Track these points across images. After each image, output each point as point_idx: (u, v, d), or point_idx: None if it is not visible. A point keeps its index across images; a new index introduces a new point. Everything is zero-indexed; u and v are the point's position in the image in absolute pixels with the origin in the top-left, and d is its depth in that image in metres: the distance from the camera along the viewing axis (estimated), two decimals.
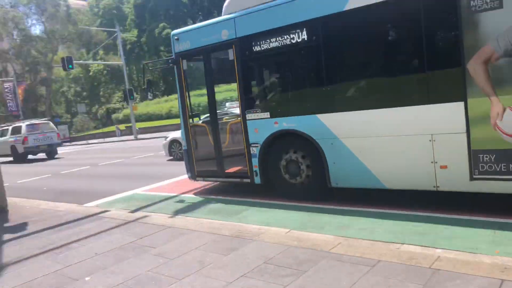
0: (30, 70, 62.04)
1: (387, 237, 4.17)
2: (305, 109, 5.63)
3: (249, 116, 6.25)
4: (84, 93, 68.00)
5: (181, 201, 6.99)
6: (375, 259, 3.43)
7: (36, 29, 65.67)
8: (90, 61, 54.17)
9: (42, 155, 20.14)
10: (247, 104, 6.25)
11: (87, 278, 3.70)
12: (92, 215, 6.16)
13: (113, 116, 55.84)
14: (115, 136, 37.24)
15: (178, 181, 8.90)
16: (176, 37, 7.09)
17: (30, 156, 19.66)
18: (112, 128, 44.98)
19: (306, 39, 5.48)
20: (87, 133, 49.72)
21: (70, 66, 28.60)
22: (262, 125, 6.10)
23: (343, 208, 5.37)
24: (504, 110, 4.15)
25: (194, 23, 55.18)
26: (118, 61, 52.64)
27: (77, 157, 19.55)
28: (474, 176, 4.42)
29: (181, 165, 9.46)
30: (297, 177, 5.98)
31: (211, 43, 6.54)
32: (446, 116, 4.50)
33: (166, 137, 12.86)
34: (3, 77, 58.42)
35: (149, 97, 10.44)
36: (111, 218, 5.85)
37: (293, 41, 5.59)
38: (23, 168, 16.63)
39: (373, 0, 4.80)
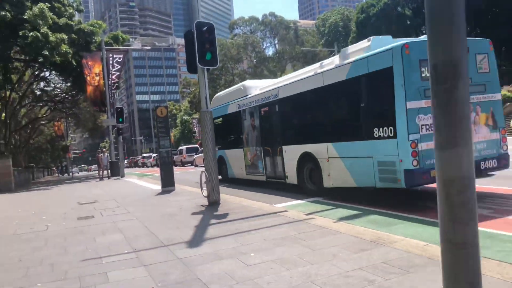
0: None
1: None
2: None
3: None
4: None
5: (350, 210, 7.88)
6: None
7: (270, 51, 74.94)
8: None
9: None
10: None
11: (252, 254, 5.10)
12: (274, 213, 7.70)
13: None
14: None
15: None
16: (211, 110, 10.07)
17: None
18: None
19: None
20: None
21: None
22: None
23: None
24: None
25: (417, 36, 53.86)
26: None
27: None
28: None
29: None
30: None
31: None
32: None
33: None
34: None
35: None
36: (286, 217, 7.24)
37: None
38: None
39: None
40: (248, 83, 14.74)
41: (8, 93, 32.84)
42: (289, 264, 4.57)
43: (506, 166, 8.06)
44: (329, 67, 9.39)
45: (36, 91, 39.85)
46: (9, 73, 26.93)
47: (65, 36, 23.64)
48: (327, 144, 9.31)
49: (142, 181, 20.29)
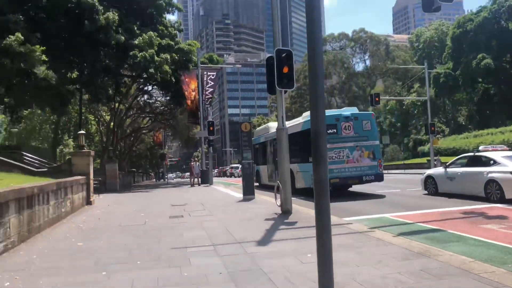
0: (350, 103, 70.48)
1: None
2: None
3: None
4: (398, 124, 71.21)
5: (409, 226, 8.29)
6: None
7: (359, 67, 74.21)
8: (393, 97, 57.26)
9: None
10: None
11: (308, 255, 5.93)
12: (339, 224, 8.39)
13: (419, 148, 56.72)
14: (421, 168, 38.26)
15: (424, 213, 10.01)
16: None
17: None
18: (418, 160, 45.87)
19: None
20: (394, 163, 51.94)
21: (377, 101, 32.35)
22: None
23: None
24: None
25: None
26: (433, 93, 53.99)
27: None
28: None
29: (433, 199, 10.49)
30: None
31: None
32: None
33: (423, 173, 13.83)
34: (327, 108, 69.03)
35: None
36: (348, 228, 7.92)
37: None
38: None
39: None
40: (270, 124, 23.22)
41: (117, 104, 37.21)
42: (339, 264, 5.33)
43: (380, 179, 15.52)
44: (297, 122, 17.52)
45: (140, 102, 44.37)
46: (118, 87, 30.63)
47: (168, 56, 26.43)
48: (296, 164, 16.16)
49: (228, 189, 21.84)
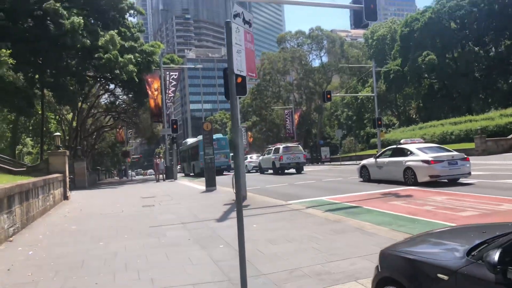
0: (307, 98, 73.35)
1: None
2: None
3: None
4: (354, 117, 74.64)
5: (336, 205, 10.58)
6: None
7: (316, 63, 77.29)
8: (343, 94, 60.49)
9: (292, 170, 26.48)
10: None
11: (254, 225, 8.03)
12: (281, 205, 10.57)
13: (371, 140, 60.31)
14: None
15: (352, 195, 12.38)
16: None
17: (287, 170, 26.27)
18: (369, 151, 49.19)
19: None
20: (349, 154, 55.15)
21: (328, 98, 34.94)
22: None
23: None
24: None
25: (463, 50, 54.40)
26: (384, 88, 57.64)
27: (316, 174, 24.87)
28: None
29: (365, 185, 12.90)
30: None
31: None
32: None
33: (359, 163, 16.36)
34: (286, 105, 71.49)
35: None
36: (289, 207, 10.10)
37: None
38: (275, 178, 22.99)
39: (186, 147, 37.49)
40: (188, 139, 43.91)
41: (80, 104, 37.92)
42: (274, 231, 7.47)
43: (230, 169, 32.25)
44: (195, 140, 33.85)
45: (102, 101, 45.09)
46: (82, 88, 31.61)
47: (132, 56, 27.81)
48: (193, 162, 33.26)
49: (192, 183, 23.67)
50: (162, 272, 5.38)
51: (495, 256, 2.29)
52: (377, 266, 3.43)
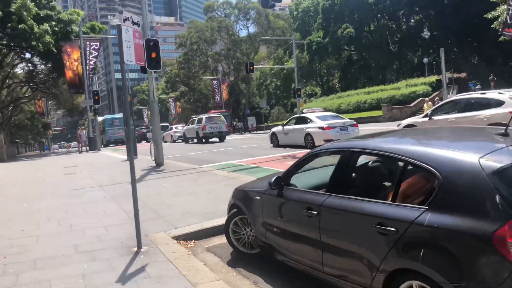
0: (235, 69, 74.13)
1: None
2: None
3: None
4: (281, 87, 76.89)
5: (241, 166, 12.24)
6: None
7: (243, 33, 77.89)
8: (266, 65, 62.39)
9: (215, 139, 27.92)
10: None
11: (164, 184, 9.41)
12: (193, 169, 12.02)
13: (295, 109, 63.20)
14: None
15: (258, 158, 14.14)
16: None
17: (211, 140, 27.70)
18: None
19: None
20: (275, 123, 57.50)
21: (251, 70, 36.36)
22: None
23: None
24: None
25: (378, 23, 58.24)
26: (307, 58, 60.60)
27: (236, 142, 26.54)
28: None
29: (273, 150, 14.66)
30: None
31: None
32: None
33: (270, 131, 18.28)
34: (214, 75, 71.92)
35: None
36: (199, 170, 11.57)
37: None
38: (198, 146, 24.32)
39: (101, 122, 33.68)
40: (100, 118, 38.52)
41: None
42: (179, 187, 8.92)
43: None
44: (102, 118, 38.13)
45: (18, 71, 42.84)
46: None
47: (48, 28, 27.06)
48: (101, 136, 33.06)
49: (114, 153, 24.26)
50: (80, 221, 6.62)
51: (272, 180, 3.92)
52: (231, 198, 5.02)
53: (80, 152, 29.29)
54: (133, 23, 4.91)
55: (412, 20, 57.42)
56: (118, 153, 23.64)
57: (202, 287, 3.81)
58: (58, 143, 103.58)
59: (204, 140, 26.86)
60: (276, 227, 4.01)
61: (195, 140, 28.07)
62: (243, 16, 75.72)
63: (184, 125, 36.48)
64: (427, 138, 3.45)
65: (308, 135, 15.52)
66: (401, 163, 2.96)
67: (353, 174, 3.48)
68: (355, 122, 15.61)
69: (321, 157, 3.97)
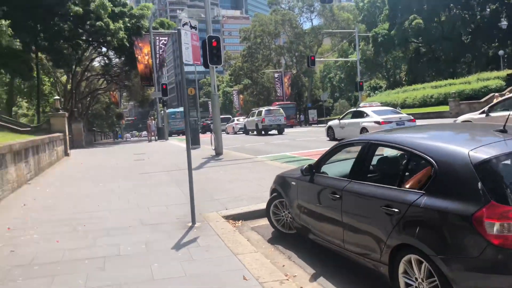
0: (297, 62, 74.14)
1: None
2: None
3: None
4: (346, 80, 75.93)
5: (293, 158, 12.77)
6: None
7: (307, 25, 77.71)
8: (328, 58, 61.68)
9: (274, 132, 28.61)
10: None
11: (221, 172, 10.24)
12: (249, 159, 12.77)
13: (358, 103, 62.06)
14: None
15: (312, 151, 14.58)
16: None
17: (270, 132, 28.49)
18: None
19: None
20: (338, 116, 57.13)
21: (312, 61, 36.57)
22: None
23: None
24: None
25: (450, 14, 55.50)
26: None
27: (294, 135, 27.03)
28: None
29: (328, 143, 15.08)
30: None
31: None
32: None
33: (326, 125, 18.59)
34: (277, 68, 72.50)
35: None
36: (254, 160, 12.30)
37: None
38: (256, 138, 25.15)
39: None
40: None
41: (74, 67, 39.34)
42: (234, 175, 9.68)
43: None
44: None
45: (95, 64, 46.40)
46: (76, 52, 33.06)
47: (121, 25, 29.23)
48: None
49: (180, 143, 25.81)
50: (145, 199, 7.59)
51: (304, 167, 4.47)
52: (272, 183, 5.64)
53: (149, 141, 31.38)
54: (191, 27, 5.64)
55: (488, 9, 53.88)
56: (183, 143, 25.16)
57: (242, 257, 4.46)
58: (130, 132, 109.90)
59: (263, 132, 27.63)
60: (308, 209, 4.56)
61: (255, 132, 28.95)
62: (307, 9, 75.22)
63: (245, 117, 37.58)
64: (434, 132, 3.83)
65: (363, 129, 15.65)
66: (407, 154, 3.40)
67: (371, 163, 3.94)
68: (412, 117, 15.50)
69: (347, 148, 4.45)
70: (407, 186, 3.27)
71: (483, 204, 2.62)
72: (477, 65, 53.72)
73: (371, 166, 3.97)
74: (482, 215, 2.60)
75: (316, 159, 4.83)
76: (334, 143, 17.00)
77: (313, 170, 4.50)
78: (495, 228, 2.56)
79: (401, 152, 3.61)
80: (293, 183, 4.93)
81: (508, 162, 2.81)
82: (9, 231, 5.76)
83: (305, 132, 30.21)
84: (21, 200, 7.93)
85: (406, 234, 3.07)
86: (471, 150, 2.88)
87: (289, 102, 55.20)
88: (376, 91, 67.88)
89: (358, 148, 4.17)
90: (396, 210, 3.16)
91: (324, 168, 4.54)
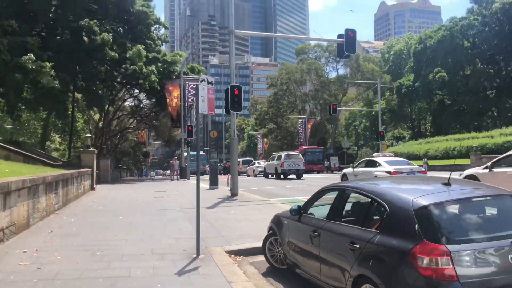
0: (322, 109, 75.35)
1: None
2: None
3: None
4: (373, 128, 76.27)
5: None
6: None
7: (332, 75, 79.48)
8: (353, 108, 62.56)
9: (293, 176, 29.16)
10: None
11: (232, 212, 10.90)
12: (261, 201, 13.40)
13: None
14: None
15: None
16: None
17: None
18: None
19: None
20: (352, 165, 57.30)
21: (334, 110, 37.49)
22: None
23: None
24: None
25: (474, 68, 56.14)
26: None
27: (312, 180, 27.48)
28: None
29: None
30: None
31: None
32: None
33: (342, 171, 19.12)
34: (302, 114, 73.84)
35: None
36: (266, 203, 12.92)
37: None
38: (274, 181, 25.72)
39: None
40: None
41: (106, 106, 41.59)
42: (244, 215, 10.32)
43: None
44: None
45: (127, 104, 48.79)
46: (111, 94, 35.18)
47: (154, 68, 31.19)
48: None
49: (201, 183, 26.69)
50: (159, 232, 8.31)
51: (293, 208, 5.14)
52: (270, 222, 6.29)
53: (172, 179, 32.41)
54: (208, 82, 6.52)
55: None
56: (204, 183, 25.96)
57: (235, 285, 5.06)
58: (155, 170, 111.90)
59: (282, 176, 28.24)
60: (296, 246, 5.18)
61: (274, 176, 29.59)
62: (333, 59, 77.26)
63: (265, 161, 38.39)
64: (393, 183, 4.48)
65: None
66: (370, 199, 4.05)
67: (344, 206, 4.58)
68: (423, 169, 15.94)
69: (329, 192, 5.11)
70: (369, 226, 3.90)
71: (417, 242, 3.23)
72: (502, 120, 53.45)
73: (346, 209, 4.62)
74: (416, 251, 3.20)
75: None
76: None
77: (301, 211, 5.15)
78: (424, 262, 3.15)
79: (366, 198, 4.25)
80: (285, 222, 5.59)
81: (442, 208, 3.44)
82: (36, 252, 6.55)
83: (323, 178, 30.63)
84: (49, 227, 8.78)
85: (363, 266, 3.66)
86: (415, 198, 3.52)
87: (316, 146, 55.88)
88: (399, 141, 67.82)
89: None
90: (357, 246, 3.77)
91: (313, 209, 5.19)
